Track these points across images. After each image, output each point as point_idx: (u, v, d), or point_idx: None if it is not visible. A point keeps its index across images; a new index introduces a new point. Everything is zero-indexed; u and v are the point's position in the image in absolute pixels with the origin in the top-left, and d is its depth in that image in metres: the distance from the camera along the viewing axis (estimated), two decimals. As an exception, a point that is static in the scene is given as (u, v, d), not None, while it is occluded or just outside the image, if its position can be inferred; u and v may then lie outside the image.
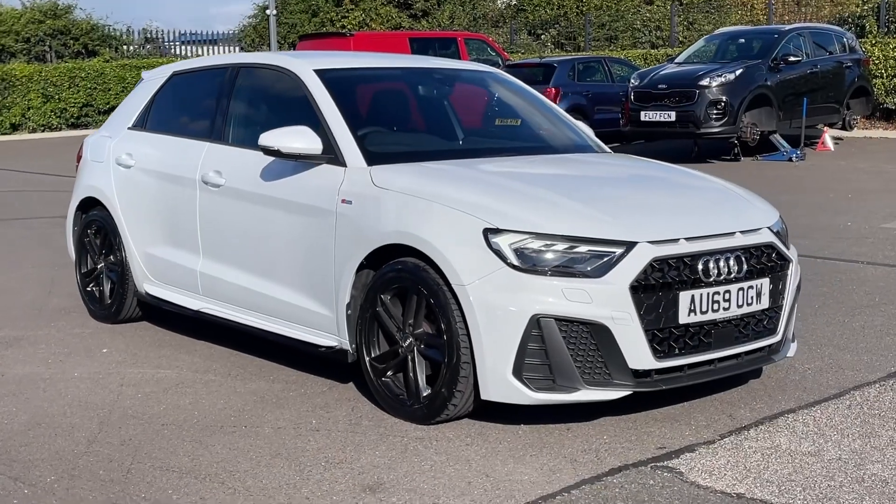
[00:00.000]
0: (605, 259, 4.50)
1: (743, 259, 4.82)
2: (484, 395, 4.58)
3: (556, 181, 5.24)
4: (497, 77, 6.63)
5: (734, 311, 4.79)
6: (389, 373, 4.92)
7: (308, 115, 5.50)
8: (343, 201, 5.10)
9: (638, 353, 4.52)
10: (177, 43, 31.61)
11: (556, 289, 4.44)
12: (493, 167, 5.37)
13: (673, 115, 16.60)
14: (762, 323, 4.98)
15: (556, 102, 18.13)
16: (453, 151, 5.71)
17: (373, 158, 5.22)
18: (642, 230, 4.61)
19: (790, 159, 16.78)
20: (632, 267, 4.49)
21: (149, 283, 6.48)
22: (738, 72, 16.56)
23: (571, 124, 6.36)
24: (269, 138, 5.26)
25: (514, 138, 6.37)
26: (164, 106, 6.75)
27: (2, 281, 8.35)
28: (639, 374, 4.59)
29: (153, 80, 6.96)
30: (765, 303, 4.93)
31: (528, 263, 4.47)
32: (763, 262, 4.93)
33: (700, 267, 4.66)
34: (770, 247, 4.99)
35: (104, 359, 6.03)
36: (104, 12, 41.50)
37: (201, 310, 6.07)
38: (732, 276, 4.77)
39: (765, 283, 4.92)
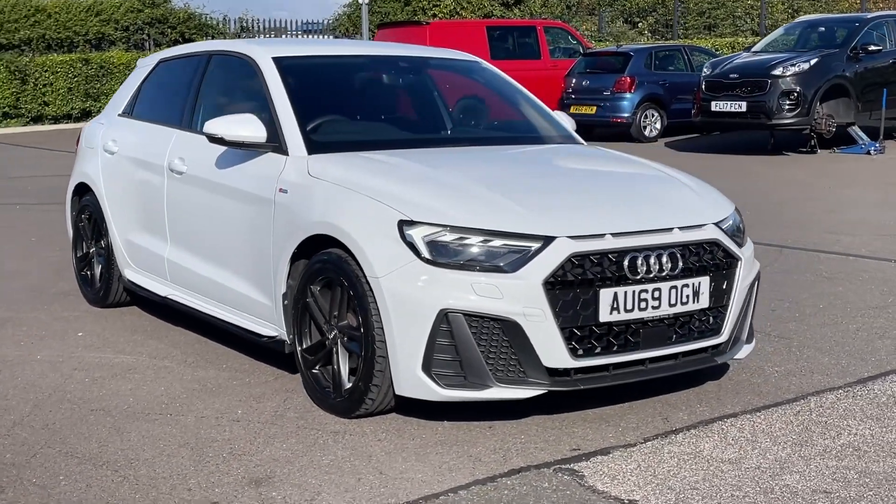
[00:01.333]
0: (521, 254, 4.37)
1: (679, 256, 4.63)
2: (397, 390, 4.50)
3: (492, 173, 5.12)
4: (473, 66, 6.50)
5: (665, 311, 4.61)
6: (319, 365, 4.87)
7: (264, 103, 5.48)
8: (280, 190, 5.06)
9: (553, 351, 4.38)
10: (272, 32, 32.00)
11: (465, 283, 4.32)
12: (434, 157, 5.26)
13: (744, 106, 16.14)
14: (703, 323, 4.78)
15: (630, 92, 17.93)
16: (405, 141, 5.61)
17: (314, 147, 5.17)
18: (564, 225, 4.46)
19: (868, 152, 16.19)
20: (548, 262, 4.35)
21: (128, 269, 6.55)
22: (812, 61, 16.02)
23: (547, 116, 6.20)
24: (213, 126, 5.26)
25: (478, 128, 6.23)
26: (148, 93, 6.82)
27: (16, 264, 8.54)
28: (557, 373, 4.45)
29: (144, 66, 7.03)
30: (704, 302, 4.73)
31: (441, 257, 4.37)
32: (704, 259, 4.73)
33: (626, 264, 4.49)
34: (714, 244, 4.79)
35: (74, 342, 6.11)
36: (202, 1, 42.18)
37: (168, 296, 6.11)
38: (665, 273, 4.58)
39: (704, 282, 4.72)
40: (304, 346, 4.91)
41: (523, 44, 21.65)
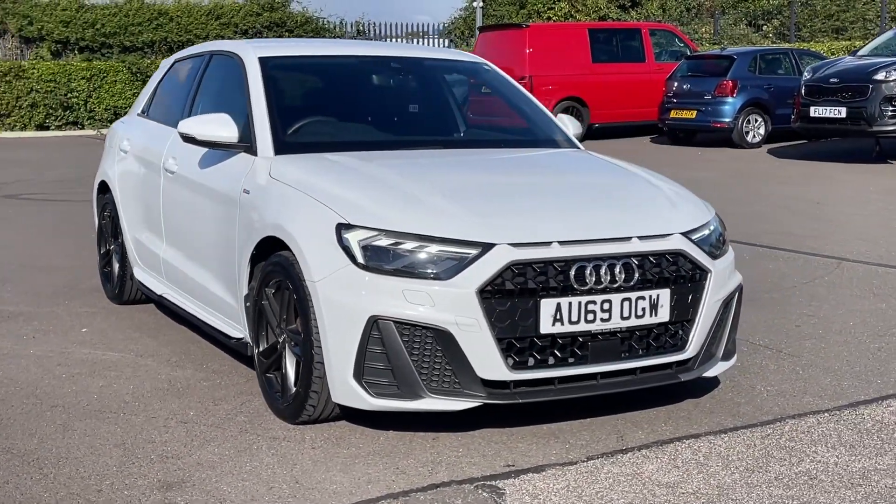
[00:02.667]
0: (458, 261, 4.22)
1: (635, 267, 4.41)
2: (333, 398, 4.40)
3: (452, 177, 4.96)
4: (475, 68, 6.34)
5: (617, 323, 4.39)
6: (273, 368, 4.81)
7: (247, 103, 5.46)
8: (244, 191, 5.02)
9: (488, 362, 4.22)
10: (392, 37, 32.23)
11: (396, 290, 4.20)
12: (398, 160, 5.14)
13: (843, 112, 15.50)
14: (663, 338, 4.55)
15: (732, 96, 17.43)
16: (380, 143, 5.50)
17: (281, 148, 5.12)
18: (506, 232, 4.29)
19: (977, 162, 15.37)
20: (484, 270, 4.19)
21: (137, 268, 6.62)
22: (918, 66, 15.28)
23: (545, 120, 6.02)
24: (185, 125, 5.26)
25: (465, 131, 6.06)
26: (161, 92, 6.88)
27: (63, 260, 8.72)
28: (496, 385, 4.28)
29: (163, 67, 7.10)
30: (664, 316, 4.49)
31: (374, 262, 4.25)
32: (667, 271, 4.50)
33: (573, 273, 4.29)
34: (679, 255, 4.54)
35: (73, 338, 6.19)
36: (320, 5, 42.64)
37: (163, 295, 6.14)
38: (619, 284, 4.37)
39: (664, 295, 4.48)
40: (260, 349, 4.86)
41: (627, 47, 21.28)
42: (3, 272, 8.21)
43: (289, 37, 29.72)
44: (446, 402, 4.26)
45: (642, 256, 4.45)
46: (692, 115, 18.88)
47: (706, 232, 4.76)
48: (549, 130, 5.93)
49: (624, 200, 4.83)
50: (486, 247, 4.22)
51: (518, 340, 4.25)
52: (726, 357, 4.91)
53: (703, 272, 4.62)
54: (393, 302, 4.19)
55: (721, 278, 4.71)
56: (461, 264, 4.20)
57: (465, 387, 4.25)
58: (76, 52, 27.50)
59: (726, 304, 4.80)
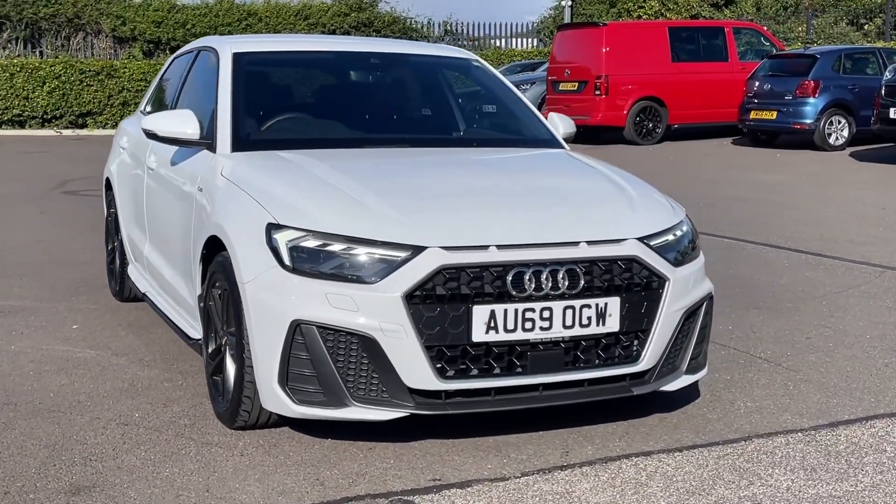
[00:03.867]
0: (385, 264, 4.03)
1: (580, 273, 4.16)
2: (262, 403, 4.25)
3: (400, 178, 4.77)
4: (462, 64, 6.13)
5: (558, 333, 4.15)
6: (218, 371, 4.69)
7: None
8: (199, 189, 4.92)
9: (416, 370, 4.03)
10: (483, 37, 32.09)
11: (320, 294, 4.03)
12: (353, 160, 4.98)
13: (924, 113, 14.82)
14: (614, 348, 4.29)
15: (813, 96, 16.83)
16: (343, 140, 5.32)
17: (239, 145, 5.00)
18: (440, 234, 4.09)
19: None
20: (412, 274, 3.99)
21: (130, 265, 6.58)
22: None
23: (531, 119, 5.78)
24: (148, 121, 5.18)
25: (439, 129, 5.83)
26: (158, 89, 6.83)
27: (82, 254, 8.77)
28: (427, 395, 4.09)
29: (167, 63, 7.05)
30: (613, 325, 4.24)
31: (301, 264, 4.09)
32: (619, 278, 4.24)
33: (510, 279, 4.07)
34: (633, 261, 4.28)
35: (59, 335, 6.16)
36: (408, 4, 42.60)
37: (146, 293, 6.08)
38: (562, 291, 4.13)
39: (613, 304, 4.23)
40: (209, 351, 4.74)
41: (710, 45, 20.75)
42: (27, 267, 8.27)
43: (375, 37, 29.81)
44: (372, 411, 4.08)
45: (590, 262, 4.20)
46: (772, 116, 18.30)
47: (669, 238, 4.48)
48: (535, 130, 5.70)
49: (580, 204, 4.58)
50: (417, 250, 4.03)
51: (448, 348, 4.04)
52: (693, 370, 4.63)
53: (660, 280, 4.35)
54: (316, 306, 4.02)
55: (682, 287, 4.43)
56: (389, 268, 4.01)
57: (393, 396, 4.06)
58: (168, 51, 27.96)
59: (691, 314, 4.52)
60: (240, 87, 5.26)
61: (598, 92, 19.91)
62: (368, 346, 4.00)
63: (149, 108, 6.87)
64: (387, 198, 4.33)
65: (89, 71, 24.91)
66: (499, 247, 4.09)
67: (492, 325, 4.05)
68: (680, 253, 4.52)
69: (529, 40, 31.99)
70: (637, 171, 15.10)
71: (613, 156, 18.15)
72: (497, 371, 4.12)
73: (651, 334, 4.34)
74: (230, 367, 4.48)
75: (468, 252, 4.06)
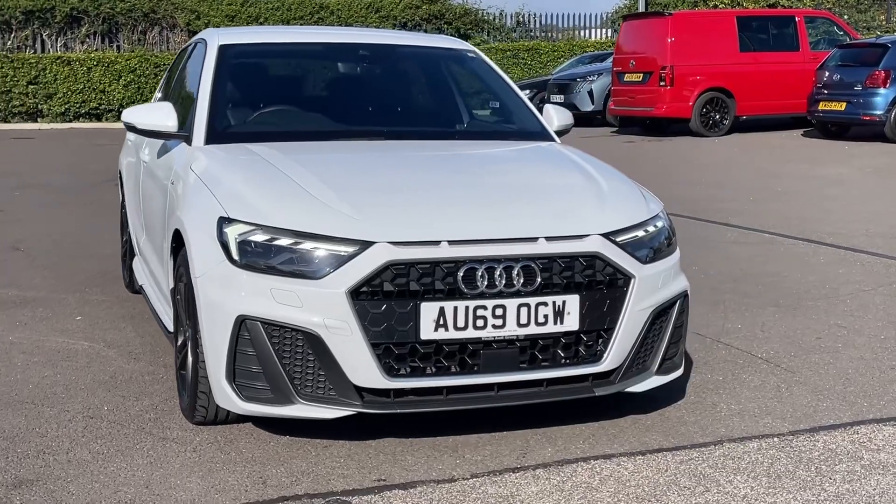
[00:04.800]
0: (332, 259, 3.95)
1: (537, 270, 4.04)
2: (215, 399, 4.21)
3: (359, 172, 4.70)
4: (458, 55, 6.00)
5: (513, 331, 4.03)
6: (183, 365, 4.66)
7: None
8: (171, 182, 4.90)
9: (362, 368, 3.94)
10: (556, 27, 31.83)
11: (265, 289, 3.97)
12: (321, 153, 4.91)
13: None
14: (574, 348, 4.16)
15: (884, 87, 16.33)
16: (320, 133, 5.25)
17: (212, 137, 4.97)
18: (389, 229, 3.99)
19: None
20: (358, 270, 3.91)
21: (136, 257, 6.60)
22: None
23: (523, 112, 5.66)
24: (127, 114, 5.17)
25: (417, 121, 5.71)
26: (167, 80, 6.84)
27: (109, 245, 8.82)
28: (376, 393, 4.00)
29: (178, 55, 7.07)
30: (572, 324, 4.10)
31: (248, 258, 4.03)
32: (579, 275, 4.11)
33: (461, 276, 3.96)
34: (596, 258, 4.14)
35: (60, 326, 6.20)
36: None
37: (143, 285, 6.10)
38: (516, 289, 4.01)
39: (572, 301, 4.09)
40: (177, 345, 4.72)
41: (780, 35, 20.26)
42: (55, 257, 8.38)
43: (447, 29, 29.75)
44: (318, 409, 4.01)
45: (549, 259, 4.07)
46: (841, 107, 17.78)
47: (638, 233, 4.33)
48: (525, 123, 5.57)
49: (545, 199, 4.45)
50: (365, 245, 3.94)
51: (396, 346, 3.95)
52: (665, 371, 4.47)
53: (625, 278, 4.19)
54: (262, 302, 3.96)
55: (650, 285, 4.27)
56: (336, 263, 3.93)
57: (340, 394, 3.99)
58: (240, 45, 28.24)
59: (661, 312, 4.36)
60: (221, 80, 5.23)
61: (662, 83, 19.58)
62: (314, 344, 3.93)
63: (159, 96, 6.90)
64: (342, 192, 4.25)
65: (164, 65, 25.28)
66: (451, 242, 3.99)
67: (441, 322, 3.94)
68: (652, 249, 4.37)
69: (604, 31, 31.61)
70: (696, 163, 14.89)
71: (677, 148, 17.86)
72: (448, 370, 4.02)
73: (615, 333, 4.20)
74: (190, 362, 4.45)
75: (418, 247, 3.96)
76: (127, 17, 27.82)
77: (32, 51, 27.15)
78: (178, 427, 4.47)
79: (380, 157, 4.96)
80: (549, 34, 31.29)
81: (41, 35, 27.53)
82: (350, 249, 3.93)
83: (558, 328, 4.08)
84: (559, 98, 23.41)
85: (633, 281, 4.20)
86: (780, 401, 4.83)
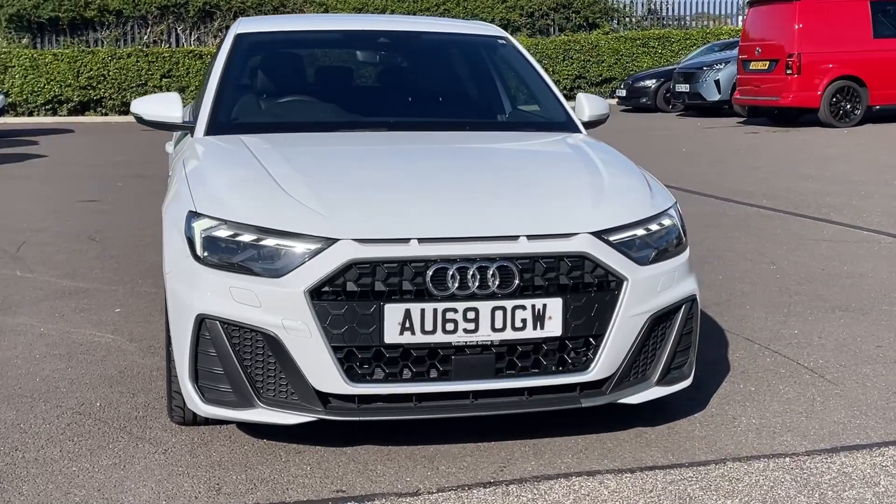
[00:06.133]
0: (294, 257, 3.74)
1: (516, 271, 3.75)
2: (185, 400, 4.05)
3: (340, 164, 4.53)
4: (482, 42, 5.70)
5: (486, 336, 3.76)
6: (175, 364, 4.53)
7: None
8: (168, 175, 4.78)
9: (323, 372, 3.73)
10: (689, 15, 31.02)
11: (224, 287, 3.79)
12: (312, 145, 4.72)
13: None
14: (558, 355, 3.86)
15: None
16: (324, 124, 5.04)
17: (212, 128, 4.83)
18: (355, 226, 3.76)
19: None
20: (319, 269, 3.69)
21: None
22: None
23: (550, 102, 5.34)
24: (135, 105, 5.07)
25: (428, 111, 5.42)
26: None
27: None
28: (341, 399, 3.78)
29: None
30: (554, 329, 3.80)
31: (211, 255, 3.86)
32: (565, 277, 3.80)
33: (429, 276, 3.70)
34: (583, 258, 3.82)
35: (95, 318, 6.18)
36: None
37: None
38: (491, 291, 3.73)
39: (554, 305, 3.79)
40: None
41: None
42: (122, 248, 8.45)
43: (575, 18, 29.27)
44: (279, 414, 3.81)
45: (530, 259, 3.77)
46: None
47: (637, 232, 3.98)
48: (551, 113, 5.28)
49: (534, 194, 4.14)
50: (329, 242, 3.72)
51: (360, 350, 3.72)
52: (669, 382, 4.12)
53: (617, 280, 3.86)
54: (221, 300, 3.78)
55: (646, 288, 3.93)
56: (297, 261, 3.72)
57: (303, 399, 3.78)
58: (367, 37, 28.38)
59: (661, 318, 4.01)
60: (231, 70, 5.10)
61: (789, 71, 18.78)
62: (273, 346, 3.74)
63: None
64: (318, 187, 4.04)
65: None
66: (421, 240, 3.73)
67: (407, 325, 3.69)
68: (655, 249, 4.02)
69: (740, 18, 30.59)
70: (815, 155, 14.22)
71: (801, 139, 17.11)
72: (416, 376, 3.76)
73: (604, 340, 3.87)
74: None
75: (385, 245, 3.71)
76: (257, 11, 28.24)
77: (167, 45, 27.83)
78: (159, 427, 4.34)
79: (371, 149, 4.73)
80: (682, 22, 30.46)
81: (176, 29, 28.20)
82: (313, 247, 3.71)
83: (539, 334, 3.78)
84: (684, 87, 22.77)
85: (625, 284, 3.87)
86: (809, 416, 4.41)
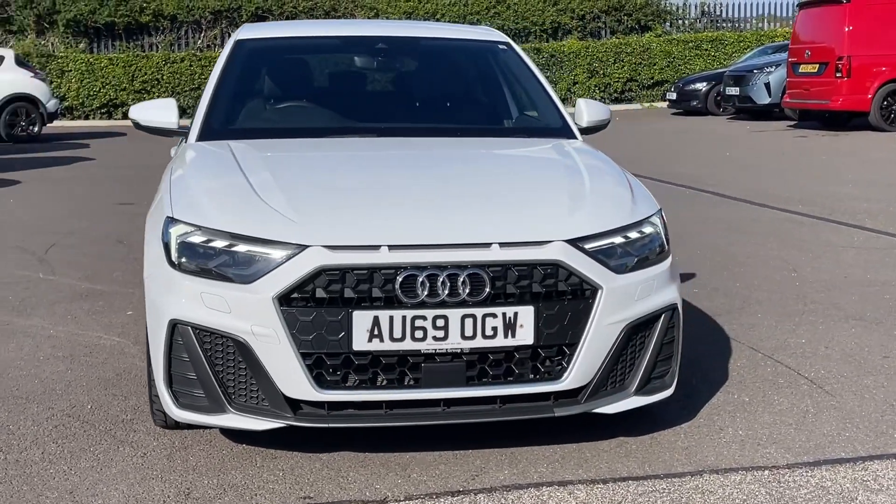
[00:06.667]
0: (264, 264, 3.75)
1: (487, 279, 3.72)
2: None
3: (319, 170, 4.54)
4: (484, 47, 5.67)
5: (455, 344, 3.73)
6: (163, 368, 4.56)
7: None
8: (161, 181, 4.82)
9: (292, 379, 3.73)
10: (743, 18, 30.66)
11: (196, 293, 3.81)
12: (292, 152, 4.75)
13: None
14: (530, 363, 3.82)
15: None
16: (312, 130, 5.05)
17: (204, 135, 4.86)
18: (326, 233, 3.76)
19: None
20: (288, 275, 3.69)
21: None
22: None
23: (547, 108, 5.29)
24: (132, 110, 5.12)
25: (419, 117, 5.40)
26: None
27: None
28: (312, 405, 3.79)
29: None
30: (525, 337, 3.77)
31: (186, 260, 3.88)
32: (538, 285, 3.77)
33: (399, 283, 3.69)
34: (557, 266, 3.79)
35: (107, 320, 6.25)
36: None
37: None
38: (461, 298, 3.71)
39: (525, 313, 3.76)
40: (159, 348, 4.62)
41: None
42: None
43: (627, 20, 29.10)
44: (249, 420, 3.82)
45: (502, 266, 3.74)
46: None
47: (614, 240, 3.94)
48: (547, 119, 5.24)
49: (508, 201, 4.11)
50: (300, 249, 3.72)
51: (329, 357, 3.72)
52: (649, 392, 4.06)
53: (592, 288, 3.82)
54: (192, 306, 3.81)
55: (622, 296, 3.88)
56: (267, 268, 3.73)
57: (273, 405, 3.79)
58: (418, 40, 28.43)
59: (639, 327, 3.96)
60: (227, 76, 5.13)
61: (839, 74, 18.50)
62: (243, 351, 3.75)
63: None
64: (292, 193, 4.05)
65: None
66: (391, 247, 3.72)
67: (376, 332, 3.68)
68: (634, 258, 3.97)
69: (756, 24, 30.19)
70: (859, 160, 14.01)
71: (850, 143, 16.85)
72: (386, 383, 3.75)
73: (578, 349, 3.83)
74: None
75: (355, 252, 3.71)
76: (309, 16, 28.42)
77: (220, 49, 28.09)
78: (143, 430, 4.37)
79: (354, 156, 4.74)
80: (737, 24, 30.13)
81: (229, 34, 28.46)
82: (283, 253, 3.72)
83: (510, 342, 3.75)
84: (734, 90, 22.53)
85: (600, 292, 3.82)
86: (798, 428, 4.33)
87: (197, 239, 3.87)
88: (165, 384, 3.91)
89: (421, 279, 3.68)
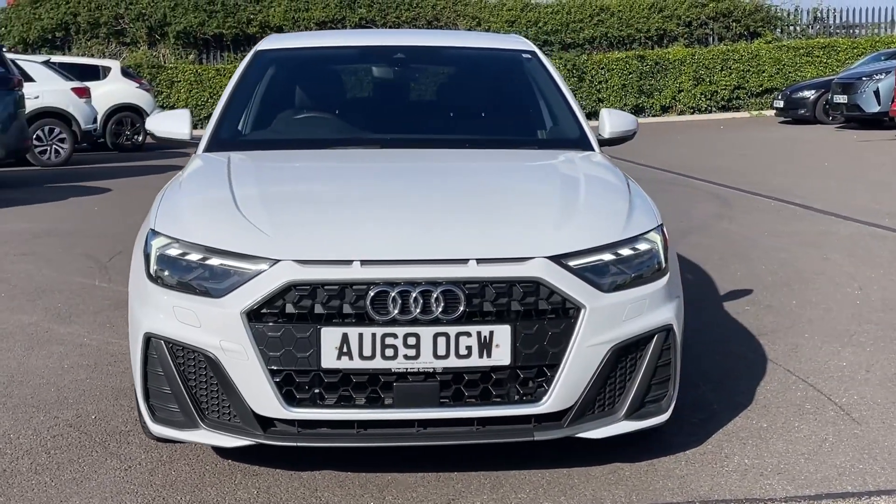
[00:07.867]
0: (236, 278, 3.68)
1: (461, 295, 3.59)
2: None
3: (309, 184, 4.44)
4: (508, 57, 5.51)
5: (427, 363, 3.61)
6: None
7: None
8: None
9: (261, 396, 3.65)
10: (858, 24, 29.72)
11: (168, 306, 3.77)
12: (290, 163, 4.68)
13: None
14: (508, 384, 3.68)
15: None
16: (319, 141, 4.97)
17: (212, 145, 4.85)
18: (298, 247, 3.67)
19: None
20: (257, 290, 3.62)
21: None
22: None
23: (566, 119, 5.13)
24: (149, 121, 5.14)
25: (429, 128, 5.25)
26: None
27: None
28: (282, 423, 3.71)
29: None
30: (502, 358, 3.62)
31: (163, 273, 3.84)
32: (517, 303, 3.62)
33: (370, 300, 3.59)
34: (538, 284, 3.64)
35: (110, 322, 6.33)
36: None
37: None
38: (434, 316, 3.58)
39: (501, 332, 3.61)
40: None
41: None
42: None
43: (736, 27, 28.47)
44: (220, 436, 3.75)
45: (479, 284, 3.60)
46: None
47: (603, 257, 3.76)
48: (565, 130, 5.08)
49: (491, 216, 3.94)
50: (271, 263, 3.64)
51: (298, 374, 3.63)
52: (641, 417, 3.87)
53: (574, 308, 3.65)
54: (165, 319, 3.76)
55: (608, 316, 3.70)
56: (238, 282, 3.66)
57: (244, 422, 3.72)
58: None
59: (629, 348, 3.78)
60: (242, 87, 5.12)
61: (949, 82, 17.71)
62: (213, 367, 3.69)
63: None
64: (273, 207, 3.99)
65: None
66: (364, 262, 3.61)
67: (344, 350, 3.58)
68: (626, 275, 3.79)
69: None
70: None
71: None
72: (357, 402, 3.65)
73: (559, 370, 3.66)
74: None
75: (326, 267, 3.61)
76: (412, 26, 28.56)
77: (324, 59, 28.40)
78: (136, 443, 4.35)
79: (350, 168, 4.65)
80: (851, 30, 29.21)
81: (333, 44, 28.76)
82: (254, 267, 3.65)
83: (485, 362, 3.61)
84: (842, 98, 21.83)
85: (583, 312, 3.65)
86: (809, 458, 4.08)
87: (174, 252, 3.82)
88: (143, 398, 3.87)
89: (392, 295, 3.56)
